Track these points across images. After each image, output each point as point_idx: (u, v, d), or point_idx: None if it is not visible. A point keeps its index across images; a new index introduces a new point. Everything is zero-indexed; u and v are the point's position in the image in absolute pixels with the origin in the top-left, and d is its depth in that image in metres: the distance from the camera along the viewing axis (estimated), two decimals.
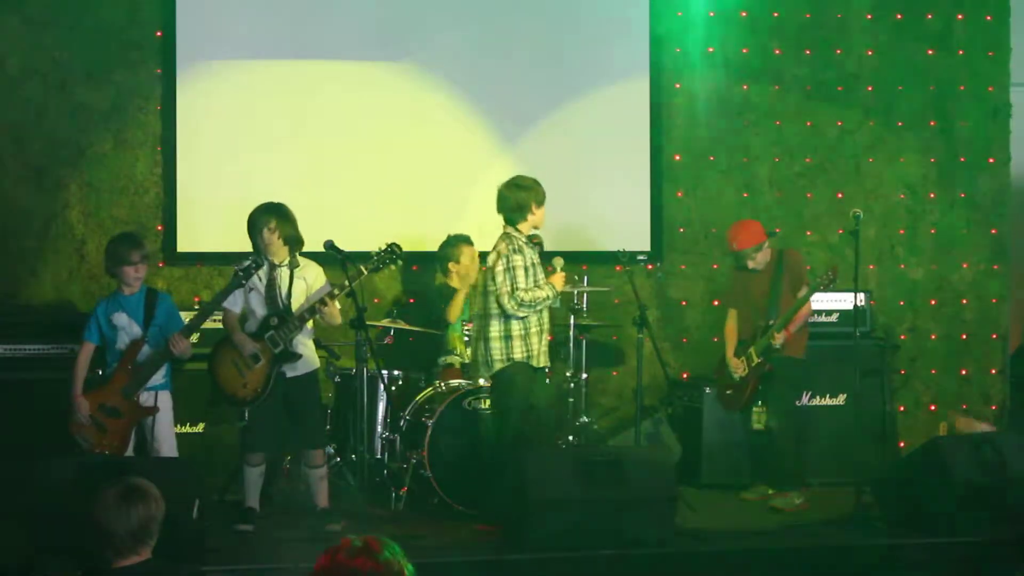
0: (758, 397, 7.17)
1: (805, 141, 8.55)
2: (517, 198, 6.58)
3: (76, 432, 6.10)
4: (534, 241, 6.64)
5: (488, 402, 6.74)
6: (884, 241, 8.63)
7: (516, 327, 6.50)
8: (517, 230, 6.59)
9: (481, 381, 6.71)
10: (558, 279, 6.63)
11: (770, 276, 7.14)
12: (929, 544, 6.13)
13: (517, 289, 6.45)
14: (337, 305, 6.30)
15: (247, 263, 6.18)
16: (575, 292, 7.37)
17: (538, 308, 6.52)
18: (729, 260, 8.11)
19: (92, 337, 6.24)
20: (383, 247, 6.37)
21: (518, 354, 6.50)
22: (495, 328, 6.53)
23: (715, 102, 8.45)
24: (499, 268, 6.49)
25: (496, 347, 6.52)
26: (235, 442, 6.62)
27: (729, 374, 7.19)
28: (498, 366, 6.53)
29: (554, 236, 7.44)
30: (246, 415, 6.27)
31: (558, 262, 6.72)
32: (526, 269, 6.50)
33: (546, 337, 6.66)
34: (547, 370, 6.76)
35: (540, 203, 6.61)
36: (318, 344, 6.73)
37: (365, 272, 6.29)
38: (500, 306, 6.47)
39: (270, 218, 6.24)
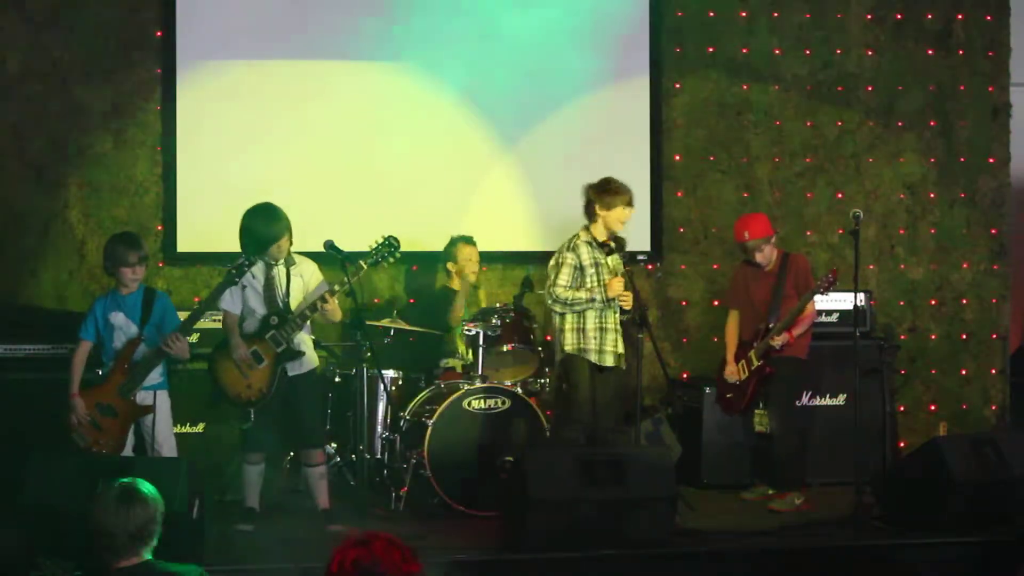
0: (759, 399, 7.17)
1: (805, 141, 8.55)
2: (587, 197, 6.84)
3: (73, 430, 6.10)
4: (608, 244, 6.72)
5: (490, 402, 6.77)
6: (884, 241, 8.63)
7: (569, 321, 6.77)
8: (587, 230, 6.81)
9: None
10: (612, 285, 6.71)
11: (774, 278, 7.13)
12: (929, 544, 6.13)
13: (555, 285, 6.73)
14: (336, 301, 6.29)
15: (240, 261, 6.17)
16: None
17: (575, 309, 6.74)
18: (730, 260, 8.12)
19: (89, 335, 6.23)
20: (380, 240, 6.37)
21: (569, 347, 6.76)
22: (557, 322, 6.86)
23: (715, 102, 8.45)
24: (551, 264, 6.85)
25: (556, 340, 6.90)
26: (235, 442, 6.62)
27: (729, 378, 7.18)
28: (558, 356, 6.88)
29: (555, 236, 7.44)
30: (251, 416, 6.26)
31: (620, 268, 6.77)
32: (577, 268, 6.75)
33: (612, 336, 6.76)
34: (619, 368, 6.85)
35: (607, 207, 6.74)
36: (318, 344, 6.73)
37: (364, 267, 6.29)
38: None
39: (283, 231, 6.23)
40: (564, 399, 6.88)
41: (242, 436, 6.40)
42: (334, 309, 6.26)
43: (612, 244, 6.75)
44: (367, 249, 6.39)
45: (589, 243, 6.76)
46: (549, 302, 6.79)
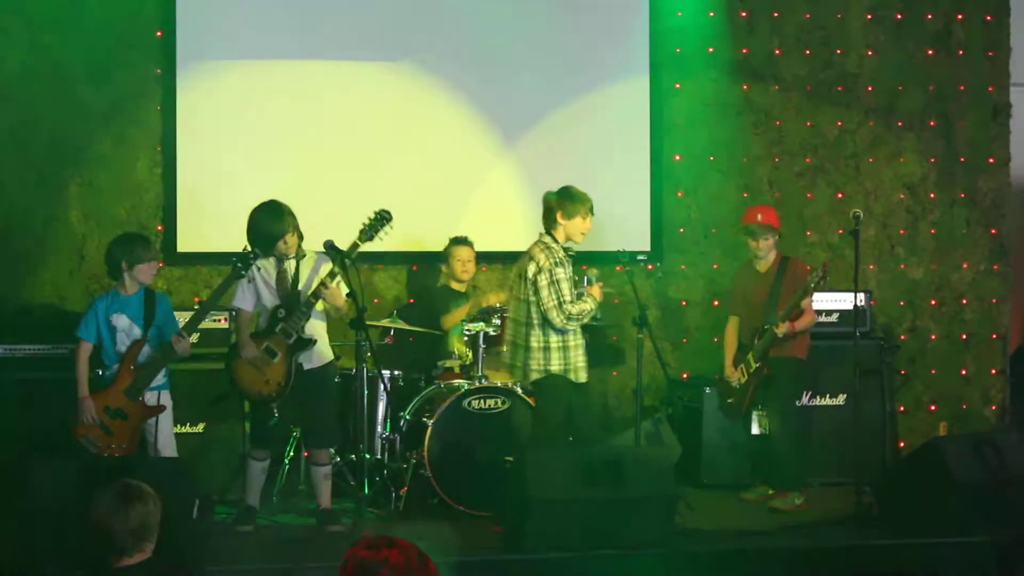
0: (758, 400, 7.17)
1: (805, 141, 8.55)
2: (548, 203, 6.52)
3: (82, 435, 6.06)
4: (570, 251, 6.61)
5: (490, 402, 6.77)
6: (884, 241, 8.63)
7: (555, 339, 6.43)
8: (554, 239, 6.51)
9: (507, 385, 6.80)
10: (596, 290, 6.59)
11: (771, 280, 7.14)
12: (929, 544, 6.13)
13: (564, 302, 6.37)
14: (344, 289, 6.24)
15: (244, 254, 6.16)
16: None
17: (583, 321, 6.48)
18: (730, 260, 8.13)
19: (90, 336, 6.20)
20: (372, 214, 6.33)
21: (555, 366, 6.44)
22: (535, 338, 6.45)
23: (715, 102, 8.44)
24: (543, 282, 6.38)
25: (535, 358, 6.45)
26: (235, 442, 6.62)
27: (729, 383, 7.19)
28: (534, 376, 6.47)
29: None
30: (275, 412, 6.23)
31: (593, 273, 6.66)
32: (570, 280, 6.45)
33: (582, 351, 6.56)
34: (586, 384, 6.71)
35: (569, 215, 6.46)
36: None
37: (360, 244, 6.24)
38: (546, 320, 6.39)
39: (288, 227, 6.22)
40: (544, 421, 6.56)
41: (251, 431, 6.41)
42: (336, 294, 6.21)
43: (570, 253, 6.66)
44: (367, 251, 6.37)
45: (564, 255, 6.51)
46: (562, 320, 6.37)
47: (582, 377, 6.54)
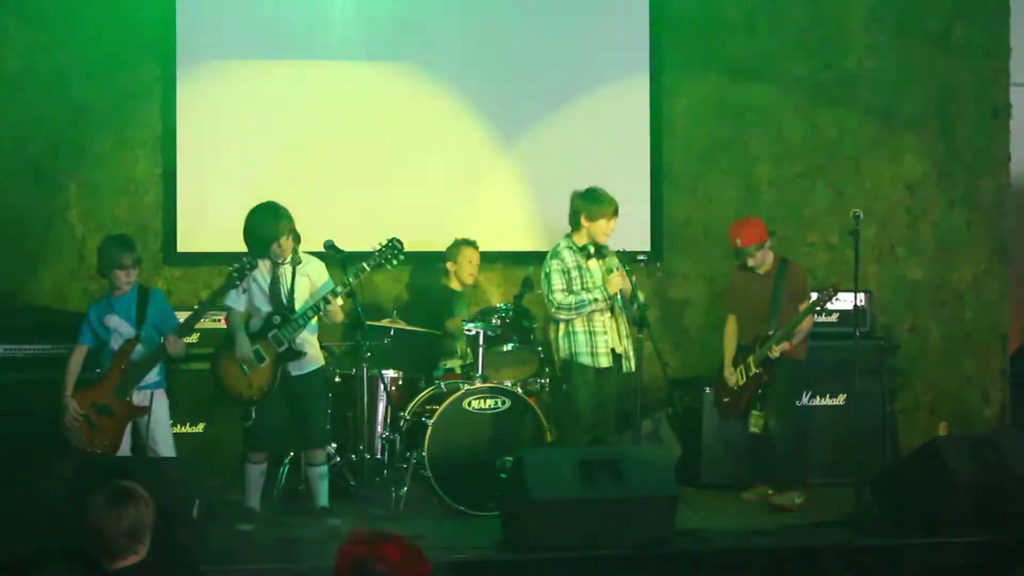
0: (756, 401, 7.16)
1: (805, 141, 8.55)
2: (573, 206, 6.93)
3: (66, 430, 6.11)
4: (587, 248, 6.85)
5: (489, 403, 6.77)
6: (884, 241, 8.63)
7: (562, 328, 6.87)
8: (569, 237, 6.93)
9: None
10: (611, 281, 6.80)
11: (771, 284, 7.14)
12: (929, 544, 6.13)
13: (553, 293, 6.81)
14: (339, 302, 6.30)
15: (242, 262, 6.17)
16: None
17: (580, 312, 6.81)
18: (730, 260, 8.12)
19: (85, 340, 6.25)
20: (384, 242, 6.36)
21: (563, 353, 6.87)
22: (551, 330, 7.04)
23: (715, 102, 8.44)
24: (541, 275, 6.95)
25: (553, 347, 6.99)
26: (235, 442, 6.62)
27: (727, 383, 7.19)
28: (557, 363, 6.99)
29: (555, 236, 7.43)
30: (252, 414, 6.26)
31: (614, 263, 6.88)
32: (564, 272, 6.83)
33: (603, 339, 6.84)
34: (618, 368, 6.90)
35: (592, 217, 6.83)
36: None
37: (368, 269, 6.29)
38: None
39: (284, 226, 6.22)
40: (564, 404, 6.97)
41: (245, 435, 6.41)
42: (336, 310, 6.30)
43: (591, 248, 6.81)
44: (370, 250, 6.39)
45: (570, 247, 6.86)
46: (553, 310, 6.86)
47: (600, 363, 6.87)
